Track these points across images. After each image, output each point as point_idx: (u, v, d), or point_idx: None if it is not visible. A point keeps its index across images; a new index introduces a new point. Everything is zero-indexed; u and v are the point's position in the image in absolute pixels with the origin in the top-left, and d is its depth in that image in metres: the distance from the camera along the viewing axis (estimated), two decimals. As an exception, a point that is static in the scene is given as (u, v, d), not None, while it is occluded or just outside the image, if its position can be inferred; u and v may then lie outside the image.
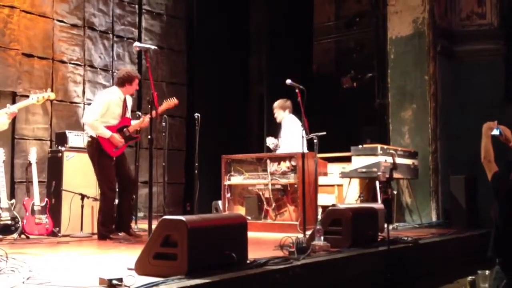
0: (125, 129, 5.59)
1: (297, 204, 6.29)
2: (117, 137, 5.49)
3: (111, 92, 5.66)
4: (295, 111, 5.43)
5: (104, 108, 5.48)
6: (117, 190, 5.67)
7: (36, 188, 5.74)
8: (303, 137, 5.50)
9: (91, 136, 5.57)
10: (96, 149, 5.49)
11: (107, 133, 5.45)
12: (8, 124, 4.73)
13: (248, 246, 3.56)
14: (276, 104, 6.93)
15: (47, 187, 6.21)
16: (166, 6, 9.79)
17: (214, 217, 4.17)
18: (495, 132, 3.73)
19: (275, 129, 7.30)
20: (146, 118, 5.44)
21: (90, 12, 8.51)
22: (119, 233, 5.56)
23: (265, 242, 5.06)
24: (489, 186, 3.75)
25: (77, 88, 8.27)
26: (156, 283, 2.84)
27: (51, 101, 7.82)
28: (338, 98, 10.33)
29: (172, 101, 5.78)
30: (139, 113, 6.26)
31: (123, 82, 5.60)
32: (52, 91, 5.11)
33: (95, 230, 6.04)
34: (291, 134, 6.56)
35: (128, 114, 5.72)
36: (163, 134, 6.58)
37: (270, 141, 7.00)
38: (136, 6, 9.29)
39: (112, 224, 5.53)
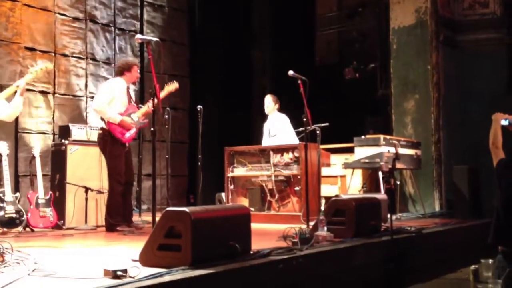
0: (132, 115, 5.65)
1: (300, 195, 6.29)
2: (128, 120, 5.58)
3: (114, 81, 5.80)
4: (298, 102, 5.42)
5: (110, 95, 5.58)
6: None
7: (40, 181, 5.75)
8: (306, 129, 5.50)
9: (102, 128, 5.63)
10: (107, 140, 5.56)
11: (117, 118, 5.53)
12: (22, 104, 4.88)
13: (251, 237, 3.57)
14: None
15: (51, 180, 6.23)
16: (167, -2, 9.78)
17: (217, 209, 4.19)
18: (504, 122, 3.74)
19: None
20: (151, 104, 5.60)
21: (91, 5, 8.51)
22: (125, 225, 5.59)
23: (268, 233, 5.07)
24: (492, 175, 3.75)
25: (80, 81, 8.29)
26: (161, 274, 2.85)
27: (54, 94, 7.85)
28: (340, 89, 10.30)
29: (173, 85, 5.91)
30: (141, 106, 6.30)
31: (122, 70, 5.76)
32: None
33: (99, 223, 6.08)
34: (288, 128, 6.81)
35: (133, 102, 5.82)
36: (166, 126, 6.59)
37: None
38: (138, -2, 9.28)
39: (119, 215, 5.57)
